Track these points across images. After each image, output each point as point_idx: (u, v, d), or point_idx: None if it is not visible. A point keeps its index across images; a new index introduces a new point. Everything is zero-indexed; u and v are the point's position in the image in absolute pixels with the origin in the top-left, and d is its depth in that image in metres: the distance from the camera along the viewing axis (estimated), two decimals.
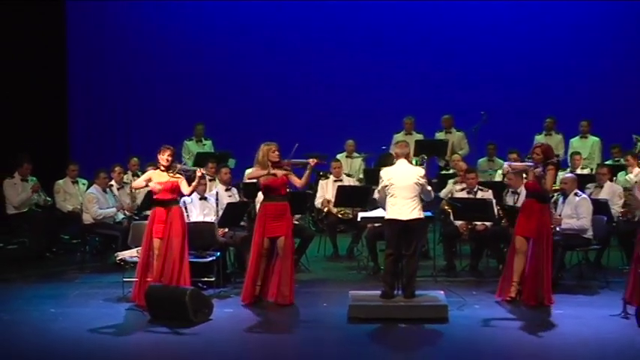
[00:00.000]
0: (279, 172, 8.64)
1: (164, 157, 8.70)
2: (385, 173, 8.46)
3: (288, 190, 8.94)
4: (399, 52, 15.11)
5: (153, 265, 8.63)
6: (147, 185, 8.90)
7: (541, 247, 8.61)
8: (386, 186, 8.37)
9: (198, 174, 8.79)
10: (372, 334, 7.90)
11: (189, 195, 9.03)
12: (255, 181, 8.99)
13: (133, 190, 11.19)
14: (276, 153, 8.65)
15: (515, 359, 7.32)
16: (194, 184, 8.78)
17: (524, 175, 9.18)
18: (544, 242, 8.62)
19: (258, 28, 15.31)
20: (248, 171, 8.81)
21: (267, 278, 8.82)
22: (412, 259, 8.43)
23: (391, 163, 8.74)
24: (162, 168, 8.72)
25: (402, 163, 8.49)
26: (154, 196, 8.78)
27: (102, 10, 15.37)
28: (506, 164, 9.39)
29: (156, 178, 8.73)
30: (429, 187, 8.58)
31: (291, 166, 8.83)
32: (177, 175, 8.70)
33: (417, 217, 8.36)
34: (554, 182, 8.93)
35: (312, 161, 8.88)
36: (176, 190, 8.73)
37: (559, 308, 8.54)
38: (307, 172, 8.91)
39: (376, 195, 8.69)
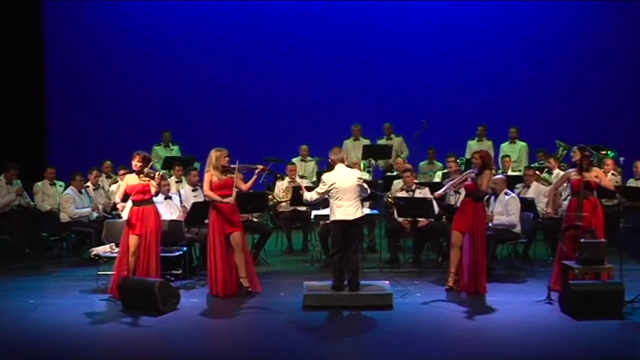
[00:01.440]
0: (234, 177, 8.69)
1: (134, 163, 8.66)
2: (328, 178, 8.36)
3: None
4: (347, 65, 15.10)
5: (128, 260, 8.55)
6: (127, 193, 8.70)
7: (476, 241, 8.67)
8: (329, 190, 8.32)
9: (157, 176, 8.71)
10: (324, 320, 7.92)
11: (155, 195, 8.97)
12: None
13: (108, 190, 11.29)
14: (227, 159, 8.69)
15: (453, 341, 7.37)
16: (154, 184, 8.67)
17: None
18: (478, 236, 8.69)
19: (220, 40, 15.20)
20: (206, 186, 8.73)
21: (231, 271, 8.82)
22: (355, 255, 8.45)
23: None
24: (136, 172, 8.68)
25: (340, 167, 8.40)
26: (131, 198, 8.68)
27: (78, 20, 15.15)
28: (440, 191, 9.36)
29: (130, 180, 8.69)
30: (365, 185, 8.48)
31: (241, 170, 8.89)
32: (147, 178, 8.64)
33: (361, 215, 8.39)
34: (489, 183, 8.98)
35: (259, 167, 8.91)
36: (148, 191, 8.67)
37: (492, 295, 8.62)
38: (254, 177, 8.93)
39: (315, 196, 8.42)
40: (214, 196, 8.66)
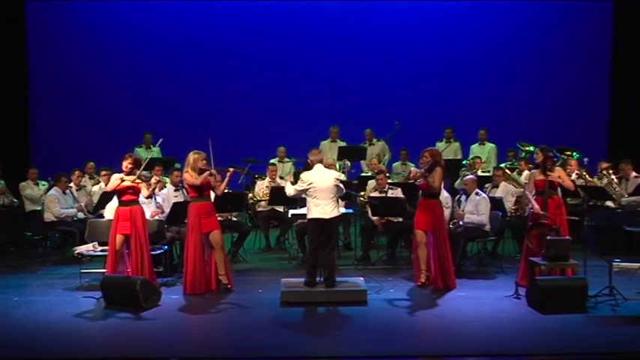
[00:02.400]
0: (211, 178, 8.75)
1: (125, 164, 8.69)
2: (306, 177, 8.43)
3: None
4: (324, 67, 15.08)
5: (115, 259, 8.56)
6: (122, 181, 8.68)
7: (439, 238, 8.75)
8: (308, 189, 8.37)
9: (154, 180, 8.76)
10: (301, 315, 7.97)
11: (147, 197, 8.98)
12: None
13: (90, 191, 11.29)
14: (204, 161, 8.73)
15: (424, 334, 7.45)
16: (150, 188, 8.79)
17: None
18: (441, 233, 8.77)
19: (200, 43, 15.11)
20: (188, 177, 8.75)
21: (208, 269, 8.82)
22: (331, 253, 8.49)
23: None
24: (125, 173, 8.68)
25: (318, 167, 8.48)
26: (121, 198, 8.68)
27: (61, 21, 14.99)
28: (414, 169, 9.52)
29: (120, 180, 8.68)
30: (341, 185, 8.57)
31: (217, 172, 8.93)
32: (138, 180, 8.65)
33: (337, 215, 8.47)
34: (442, 181, 9.03)
35: (231, 170, 8.96)
36: (137, 193, 8.69)
37: (461, 291, 8.70)
38: (226, 179, 8.97)
39: (291, 192, 8.57)
40: (197, 180, 8.62)
